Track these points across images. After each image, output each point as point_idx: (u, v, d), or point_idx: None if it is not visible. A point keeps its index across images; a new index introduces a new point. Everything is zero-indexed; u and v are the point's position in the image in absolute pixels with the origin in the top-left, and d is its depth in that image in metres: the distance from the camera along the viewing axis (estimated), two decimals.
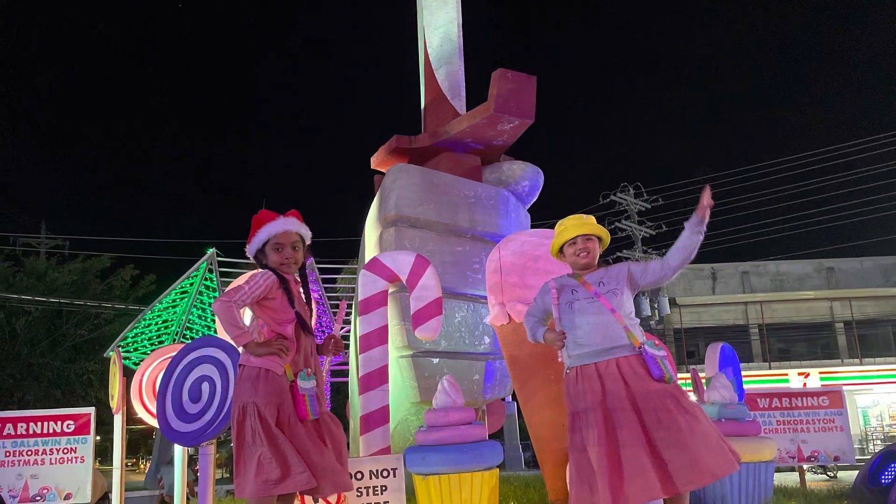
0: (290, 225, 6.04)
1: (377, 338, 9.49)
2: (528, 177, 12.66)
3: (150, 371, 10.67)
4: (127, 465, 25.19)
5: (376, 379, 9.36)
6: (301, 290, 6.16)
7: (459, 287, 11.43)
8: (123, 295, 36.32)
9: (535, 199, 13.00)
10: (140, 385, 10.63)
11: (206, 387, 7.40)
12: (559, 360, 6.27)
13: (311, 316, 6.19)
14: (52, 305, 32.68)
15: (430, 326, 9.31)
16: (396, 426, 10.61)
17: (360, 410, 9.38)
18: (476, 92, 12.23)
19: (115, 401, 11.09)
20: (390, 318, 10.32)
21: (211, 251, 19.47)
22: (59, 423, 11.05)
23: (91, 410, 11.37)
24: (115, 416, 11.09)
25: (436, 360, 10.92)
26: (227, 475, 45.90)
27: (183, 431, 7.33)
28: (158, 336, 20.20)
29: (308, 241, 6.24)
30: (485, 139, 12.09)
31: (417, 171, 11.71)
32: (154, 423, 10.28)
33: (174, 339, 20.09)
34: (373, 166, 13.28)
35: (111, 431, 11.81)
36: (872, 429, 43.98)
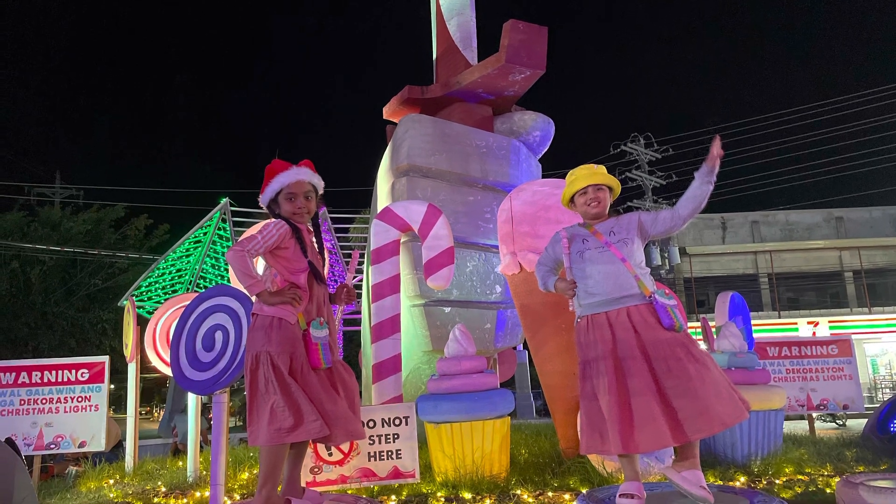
0: (303, 175, 6.00)
1: (389, 287, 9.56)
2: (539, 127, 12.62)
3: (164, 320, 10.70)
4: (141, 414, 25.29)
5: (388, 328, 9.43)
6: (314, 239, 6.14)
7: (471, 236, 11.45)
8: (137, 244, 36.17)
9: (546, 150, 13.00)
10: (154, 334, 10.71)
11: (219, 335, 7.32)
12: (570, 309, 6.25)
13: (323, 265, 6.18)
14: (67, 255, 32.60)
15: (441, 275, 9.39)
16: (408, 374, 10.66)
17: (372, 359, 9.45)
18: (488, 43, 12.23)
19: (128, 349, 11.24)
20: (402, 268, 10.36)
21: (224, 201, 19.36)
22: (73, 371, 11.05)
23: (105, 359, 11.38)
24: (129, 365, 11.23)
25: (447, 309, 10.95)
26: (241, 423, 46.16)
27: (196, 380, 7.26)
28: (172, 285, 20.15)
29: (321, 191, 6.21)
30: (496, 90, 12.06)
31: (429, 121, 11.70)
32: (168, 371, 10.32)
33: (188, 289, 20.05)
34: (385, 116, 13.24)
35: (125, 380, 11.81)
36: (881, 377, 43.99)
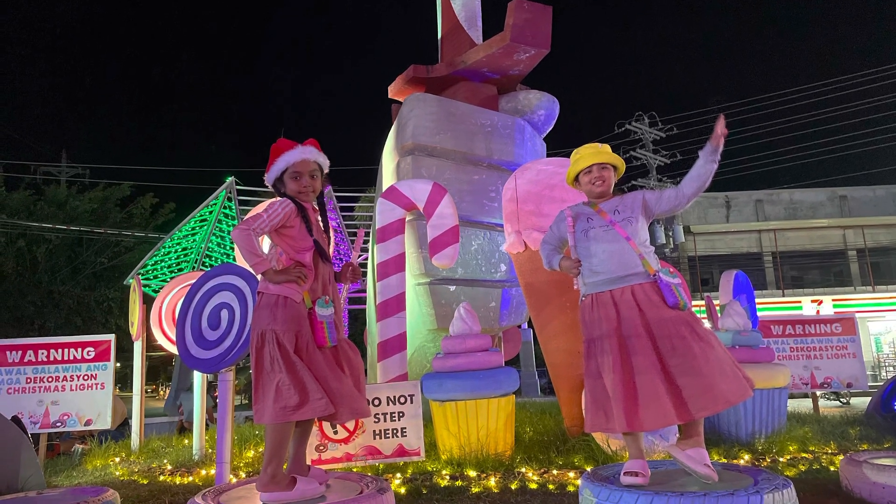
0: (309, 154, 5.99)
1: (394, 265, 9.57)
2: (543, 106, 12.62)
3: (170, 298, 10.71)
4: (146, 392, 25.34)
5: (393, 306, 9.45)
6: (319, 218, 6.13)
7: (476, 215, 11.45)
8: (143, 223, 36.25)
9: (550, 129, 13.00)
10: (160, 312, 10.74)
11: (224, 314, 7.30)
12: (574, 287, 6.25)
13: (329, 244, 6.17)
14: (73, 233, 32.70)
15: (446, 254, 9.38)
16: (413, 353, 10.75)
17: (377, 337, 9.45)
18: (492, 23, 12.26)
19: (134, 328, 11.27)
20: (407, 246, 10.39)
21: (230, 179, 19.36)
22: (79, 349, 11.07)
23: (111, 337, 11.41)
24: (135, 343, 11.25)
25: (452, 288, 10.96)
26: (246, 401, 46.24)
27: (202, 358, 7.25)
28: (178, 264, 20.15)
29: (326, 170, 6.20)
30: (501, 69, 12.10)
31: (434, 100, 11.68)
32: (173, 349, 10.34)
33: (193, 267, 20.06)
34: (390, 95, 13.25)
35: (131, 358, 11.81)
36: (885, 355, 43.99)
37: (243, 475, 7.68)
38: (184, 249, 20.29)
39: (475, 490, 6.54)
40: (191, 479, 8.17)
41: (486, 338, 8.33)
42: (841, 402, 25.64)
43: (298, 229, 5.81)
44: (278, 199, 5.87)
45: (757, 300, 12.08)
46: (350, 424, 7.42)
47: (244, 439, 9.41)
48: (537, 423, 9.64)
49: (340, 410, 5.54)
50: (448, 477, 6.98)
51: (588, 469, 6.59)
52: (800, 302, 43.01)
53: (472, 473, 7.01)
